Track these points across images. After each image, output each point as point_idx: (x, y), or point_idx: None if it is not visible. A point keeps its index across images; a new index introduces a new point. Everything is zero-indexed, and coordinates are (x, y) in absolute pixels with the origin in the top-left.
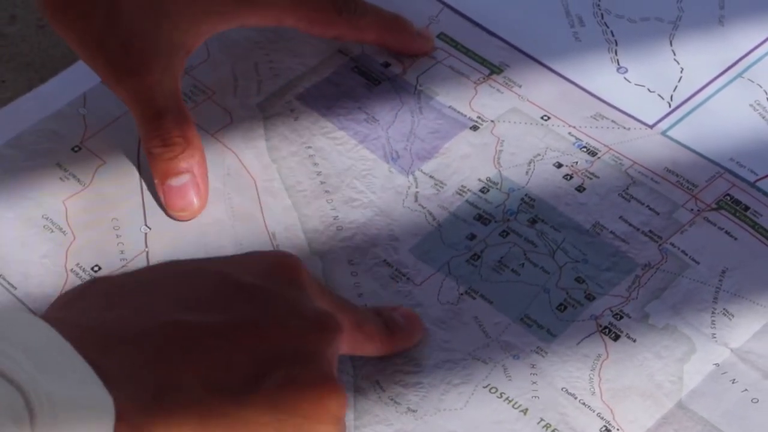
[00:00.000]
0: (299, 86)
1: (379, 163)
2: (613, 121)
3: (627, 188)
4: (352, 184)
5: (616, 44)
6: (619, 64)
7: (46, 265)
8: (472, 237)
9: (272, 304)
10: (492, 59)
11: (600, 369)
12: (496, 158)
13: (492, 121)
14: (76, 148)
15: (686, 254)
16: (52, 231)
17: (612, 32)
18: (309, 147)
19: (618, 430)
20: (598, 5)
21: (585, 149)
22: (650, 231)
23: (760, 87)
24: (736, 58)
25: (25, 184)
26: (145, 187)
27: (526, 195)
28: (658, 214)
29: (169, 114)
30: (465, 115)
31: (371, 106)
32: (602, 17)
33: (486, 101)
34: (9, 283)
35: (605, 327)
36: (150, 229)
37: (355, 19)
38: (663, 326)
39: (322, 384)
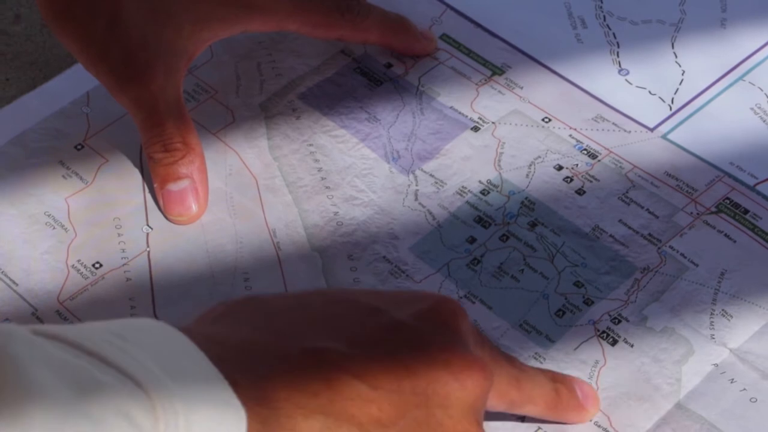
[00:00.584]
0: (301, 86)
1: (379, 162)
2: (614, 124)
3: (627, 192)
4: (352, 183)
5: (618, 46)
6: (620, 66)
7: (48, 261)
8: (473, 240)
9: (423, 345)
10: (494, 60)
11: (597, 377)
12: (496, 160)
13: (493, 122)
14: (79, 147)
15: (685, 257)
16: (54, 228)
17: (614, 34)
18: (310, 145)
19: None
20: (601, 7)
21: (585, 152)
22: (649, 234)
23: (761, 90)
24: (738, 61)
25: (27, 181)
26: (147, 186)
27: (526, 198)
28: (657, 217)
29: (171, 120)
30: (466, 116)
31: (373, 106)
32: (604, 19)
33: (487, 103)
34: (11, 280)
35: (603, 332)
36: (152, 229)
37: (358, 20)
38: (661, 329)
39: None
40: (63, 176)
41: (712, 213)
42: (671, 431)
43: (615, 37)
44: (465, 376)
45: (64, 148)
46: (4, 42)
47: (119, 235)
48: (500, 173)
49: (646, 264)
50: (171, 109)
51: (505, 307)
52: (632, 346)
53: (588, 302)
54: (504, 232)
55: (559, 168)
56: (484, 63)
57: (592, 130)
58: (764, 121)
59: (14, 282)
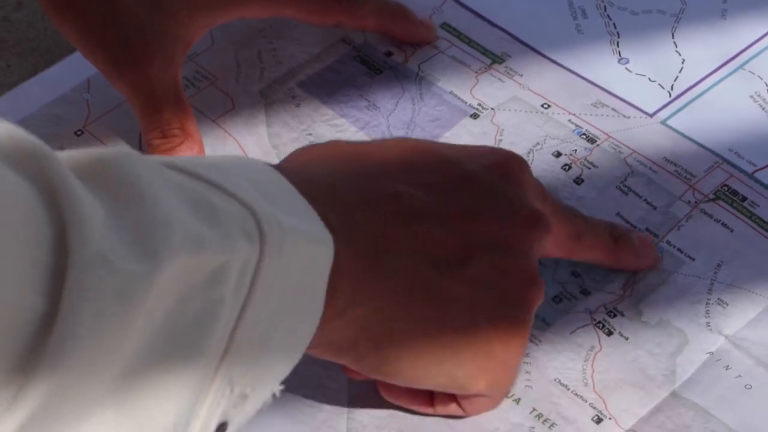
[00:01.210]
0: (301, 73)
1: None
2: (613, 109)
3: (625, 179)
4: None
5: (618, 36)
6: (620, 55)
7: None
8: None
9: (491, 195)
10: (494, 50)
11: (593, 360)
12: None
13: (492, 108)
14: (79, 133)
15: (682, 252)
16: None
17: (614, 24)
18: (310, 134)
19: (610, 419)
20: None
21: (584, 136)
22: (647, 229)
23: (761, 79)
24: (738, 50)
25: None
26: None
27: None
28: (655, 208)
29: (169, 106)
30: (466, 102)
31: (372, 94)
32: (605, 9)
33: (487, 90)
34: None
35: (599, 322)
36: None
37: (355, 6)
38: (656, 322)
39: (524, 275)
40: None
41: (710, 200)
42: (665, 418)
43: (615, 27)
44: (527, 224)
45: (65, 134)
46: (5, 28)
47: None
48: None
49: None
50: (169, 95)
51: None
52: (627, 339)
53: (585, 292)
54: None
55: (558, 155)
56: (485, 52)
57: (591, 115)
58: (764, 109)
59: None
